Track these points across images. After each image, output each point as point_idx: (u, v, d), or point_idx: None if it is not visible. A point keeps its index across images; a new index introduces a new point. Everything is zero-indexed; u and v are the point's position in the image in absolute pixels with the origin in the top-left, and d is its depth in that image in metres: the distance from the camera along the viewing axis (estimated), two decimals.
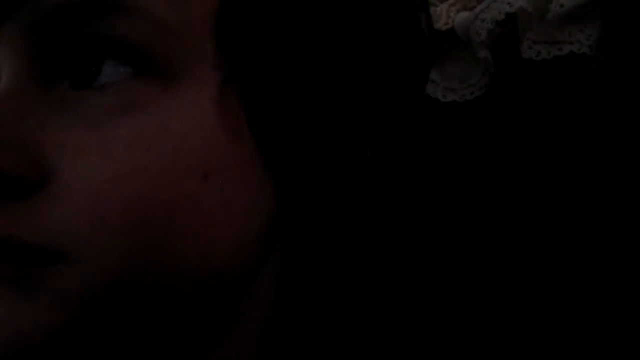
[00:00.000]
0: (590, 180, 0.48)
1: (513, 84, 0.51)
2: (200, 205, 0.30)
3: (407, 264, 0.46)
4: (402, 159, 0.43)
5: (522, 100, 0.51)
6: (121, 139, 0.29)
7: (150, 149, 0.29)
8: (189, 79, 0.30)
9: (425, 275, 0.47)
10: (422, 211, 0.51)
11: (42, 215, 0.28)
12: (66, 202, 0.28)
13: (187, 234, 0.30)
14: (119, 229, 0.28)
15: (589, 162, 0.48)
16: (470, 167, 0.53)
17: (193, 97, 0.30)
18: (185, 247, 0.30)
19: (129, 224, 0.29)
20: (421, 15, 0.37)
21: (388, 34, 0.34)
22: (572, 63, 0.48)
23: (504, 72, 0.51)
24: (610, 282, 0.44)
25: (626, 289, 0.44)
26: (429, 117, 0.54)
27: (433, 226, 0.51)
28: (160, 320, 0.31)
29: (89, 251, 0.28)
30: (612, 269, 0.45)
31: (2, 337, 0.28)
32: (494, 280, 0.47)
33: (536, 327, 0.44)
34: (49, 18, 0.29)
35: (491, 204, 0.52)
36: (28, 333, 0.28)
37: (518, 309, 0.45)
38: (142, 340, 0.31)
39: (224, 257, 0.31)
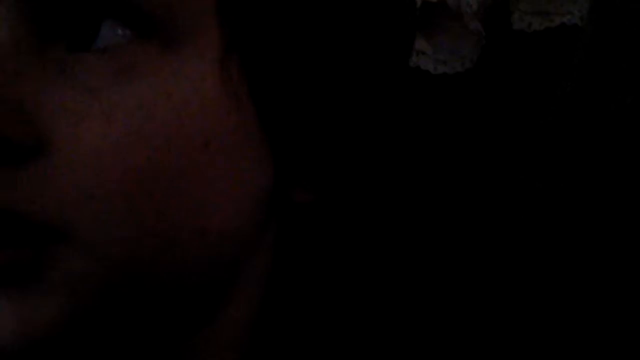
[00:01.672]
0: (579, 153, 0.48)
1: (504, 56, 0.51)
2: (201, 174, 0.29)
3: (404, 245, 0.46)
4: (394, 132, 0.43)
5: (513, 71, 0.51)
6: (122, 105, 0.28)
7: (152, 117, 0.28)
8: (191, 45, 0.29)
9: (421, 257, 0.47)
10: (414, 185, 0.52)
11: (40, 184, 0.27)
12: (65, 171, 0.27)
13: (188, 204, 0.29)
14: (122, 202, 0.27)
15: (578, 133, 0.48)
16: (460, 139, 0.53)
17: (195, 64, 0.29)
18: (187, 218, 0.29)
19: (133, 196, 0.28)
20: None
21: (376, 4, 0.34)
22: (563, 34, 0.48)
23: (495, 43, 0.51)
24: (602, 268, 0.45)
25: (616, 273, 0.44)
26: (419, 89, 0.54)
27: (426, 199, 0.51)
28: (160, 295, 0.30)
29: (90, 227, 0.27)
30: (598, 247, 0.46)
31: (4, 332, 0.27)
32: (486, 260, 0.47)
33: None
34: None
35: (482, 175, 0.52)
36: (33, 325, 0.27)
37: (511, 298, 0.46)
38: (140, 316, 0.31)
39: (223, 228, 0.31)
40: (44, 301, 0.27)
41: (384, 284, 0.42)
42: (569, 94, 0.47)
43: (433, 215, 0.50)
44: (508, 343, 0.44)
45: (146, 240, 0.28)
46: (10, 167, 0.27)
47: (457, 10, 0.51)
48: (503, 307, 0.46)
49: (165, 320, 0.32)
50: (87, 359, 0.30)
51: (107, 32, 0.28)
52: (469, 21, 0.50)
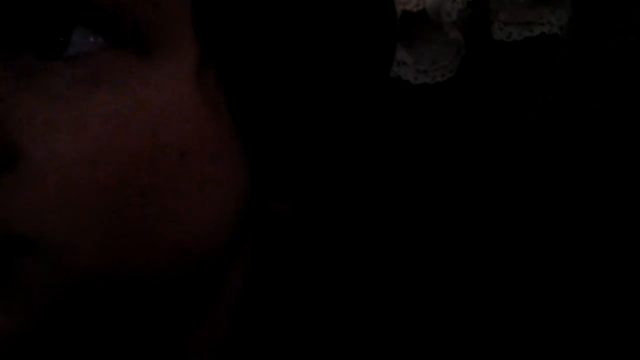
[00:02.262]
0: (561, 161, 0.48)
1: (484, 66, 0.51)
2: (177, 187, 0.28)
3: (384, 252, 0.46)
4: (375, 141, 0.43)
5: (494, 81, 0.51)
6: (94, 114, 0.27)
7: (125, 126, 0.27)
8: (167, 53, 0.28)
9: (401, 263, 0.47)
10: (395, 194, 0.51)
11: (9, 195, 0.26)
12: (34, 184, 0.26)
13: (163, 217, 0.28)
14: (93, 215, 0.26)
15: (560, 142, 0.48)
16: (442, 149, 0.53)
17: (171, 72, 0.28)
18: (162, 232, 0.28)
19: (104, 209, 0.27)
20: None
21: (356, 14, 0.34)
22: (542, 44, 0.48)
23: (475, 53, 0.51)
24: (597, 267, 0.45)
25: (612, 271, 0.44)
26: (400, 99, 0.54)
27: (407, 209, 0.51)
28: (134, 308, 0.30)
29: (59, 241, 0.26)
30: (591, 251, 0.46)
31: None
32: (471, 258, 0.47)
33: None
34: None
35: (463, 184, 0.52)
36: None
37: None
38: (116, 329, 0.30)
39: (199, 241, 0.30)
40: (8, 310, 0.26)
41: (366, 290, 0.42)
42: (550, 103, 0.47)
43: (415, 222, 0.50)
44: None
45: (117, 253, 0.27)
46: None
47: (436, 20, 0.50)
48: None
49: (139, 330, 0.31)
50: None
51: (79, 39, 0.27)
52: (449, 31, 0.50)
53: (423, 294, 0.46)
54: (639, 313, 0.43)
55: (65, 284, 0.27)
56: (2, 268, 0.26)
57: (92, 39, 0.27)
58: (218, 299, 0.33)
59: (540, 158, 0.49)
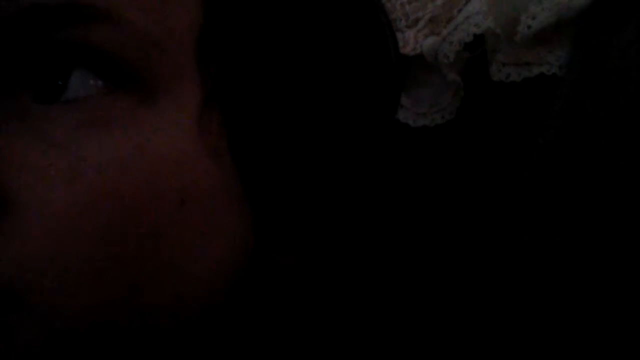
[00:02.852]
0: (565, 201, 0.48)
1: (484, 107, 0.51)
2: (176, 236, 0.27)
3: (389, 297, 0.45)
4: (376, 185, 0.42)
5: (494, 122, 0.51)
6: (90, 161, 0.26)
7: (124, 173, 0.26)
8: (168, 97, 0.27)
9: (402, 311, 0.46)
10: (396, 239, 0.51)
11: (1, 247, 0.25)
12: (24, 235, 0.25)
13: (161, 269, 0.27)
14: (86, 269, 0.25)
15: (560, 183, 0.48)
16: (443, 191, 0.52)
17: (172, 117, 0.27)
18: (159, 284, 0.27)
19: (98, 261, 0.25)
20: (390, 42, 0.36)
21: (362, 62, 0.33)
22: (541, 84, 0.48)
23: (474, 95, 0.51)
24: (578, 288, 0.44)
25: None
26: (399, 142, 0.53)
27: (410, 253, 0.50)
28: (126, 356, 0.28)
29: (49, 295, 0.25)
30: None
31: None
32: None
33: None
34: (19, 19, 0.25)
35: (463, 226, 0.51)
36: None
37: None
38: None
39: (197, 293, 0.29)
40: None
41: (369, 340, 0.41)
42: (552, 142, 0.47)
43: (417, 266, 0.49)
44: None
45: (112, 309, 0.26)
46: None
47: (434, 63, 0.50)
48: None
49: None
50: None
51: (78, 82, 0.26)
52: (447, 73, 0.49)
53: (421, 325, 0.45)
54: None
55: (58, 341, 0.25)
56: None
57: (91, 82, 0.26)
58: (217, 346, 0.32)
59: (546, 197, 0.48)
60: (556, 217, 0.48)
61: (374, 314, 0.43)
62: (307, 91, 0.31)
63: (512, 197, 0.50)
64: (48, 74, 0.27)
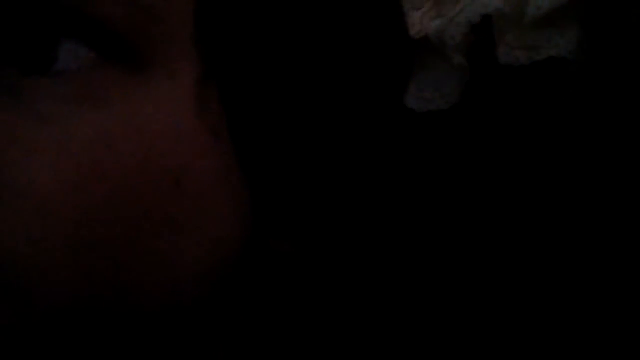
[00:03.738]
0: (573, 185, 0.47)
1: (489, 91, 0.50)
2: (169, 218, 0.26)
3: (388, 287, 0.44)
4: (379, 171, 0.41)
5: (498, 107, 0.50)
6: (79, 136, 0.24)
7: (115, 150, 0.25)
8: (165, 72, 0.26)
9: (400, 301, 0.46)
10: (401, 224, 0.50)
11: None
12: (12, 212, 0.24)
13: (152, 251, 0.26)
14: (72, 250, 0.24)
15: (570, 167, 0.47)
16: (447, 177, 0.51)
17: (167, 91, 0.26)
18: (150, 267, 0.26)
19: (85, 243, 0.24)
20: (400, 21, 0.34)
21: (373, 38, 0.32)
22: (549, 68, 0.47)
23: (479, 79, 0.50)
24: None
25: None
26: (403, 128, 0.52)
27: (410, 240, 0.49)
28: (116, 346, 0.27)
29: (32, 278, 0.24)
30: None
31: None
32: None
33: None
34: None
35: (469, 213, 0.51)
36: None
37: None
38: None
39: (192, 280, 0.28)
40: None
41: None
42: (559, 127, 0.46)
43: (418, 254, 0.49)
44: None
45: (98, 292, 0.25)
46: None
47: (440, 46, 0.49)
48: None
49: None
50: None
51: (67, 53, 0.25)
52: (453, 55, 0.48)
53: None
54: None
55: (37, 328, 0.24)
56: None
57: (82, 53, 0.25)
58: (210, 334, 0.31)
59: (552, 183, 0.47)
60: (565, 201, 0.47)
61: (371, 304, 0.42)
62: (310, 70, 0.29)
63: (517, 184, 0.49)
64: (36, 46, 0.25)
